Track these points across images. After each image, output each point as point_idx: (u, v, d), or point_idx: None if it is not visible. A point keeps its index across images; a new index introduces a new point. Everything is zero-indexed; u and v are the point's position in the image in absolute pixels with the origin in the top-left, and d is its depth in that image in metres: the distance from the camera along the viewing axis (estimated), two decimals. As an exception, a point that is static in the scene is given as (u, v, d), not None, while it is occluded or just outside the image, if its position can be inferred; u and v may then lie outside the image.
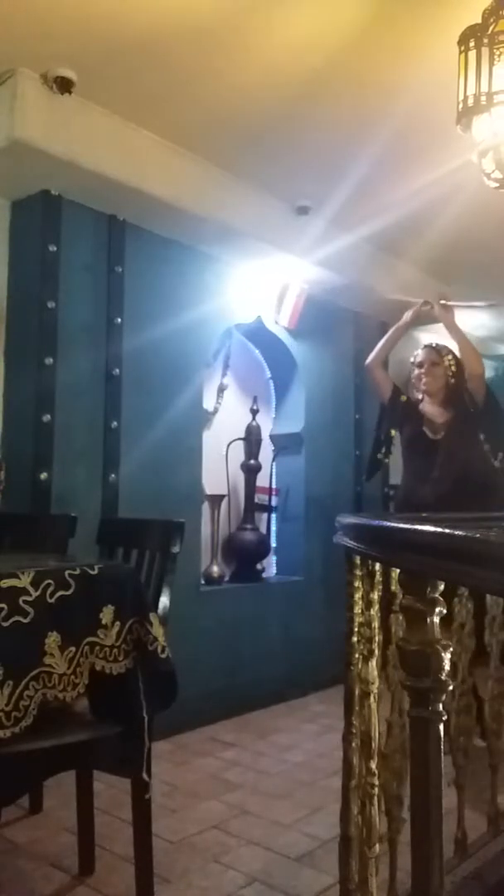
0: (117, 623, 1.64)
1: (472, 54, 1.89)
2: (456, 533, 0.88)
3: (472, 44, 1.89)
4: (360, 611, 1.52)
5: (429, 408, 3.36)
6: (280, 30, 2.29)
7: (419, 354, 3.39)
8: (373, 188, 3.31)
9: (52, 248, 2.93)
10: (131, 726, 1.70)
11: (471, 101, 1.89)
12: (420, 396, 3.39)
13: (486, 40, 1.88)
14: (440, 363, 3.33)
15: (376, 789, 1.41)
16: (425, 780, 1.02)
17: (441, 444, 3.26)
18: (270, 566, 4.19)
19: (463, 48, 1.91)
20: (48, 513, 2.81)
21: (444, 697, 1.03)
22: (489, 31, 1.89)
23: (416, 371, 3.38)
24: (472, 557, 0.85)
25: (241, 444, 3.96)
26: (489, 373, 5.91)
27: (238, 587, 3.75)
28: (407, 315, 3.56)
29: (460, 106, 1.92)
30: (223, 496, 3.81)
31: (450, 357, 3.37)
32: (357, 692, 1.49)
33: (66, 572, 1.57)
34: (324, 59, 2.42)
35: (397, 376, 5.07)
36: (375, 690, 1.44)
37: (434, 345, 3.41)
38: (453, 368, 3.35)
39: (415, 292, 4.51)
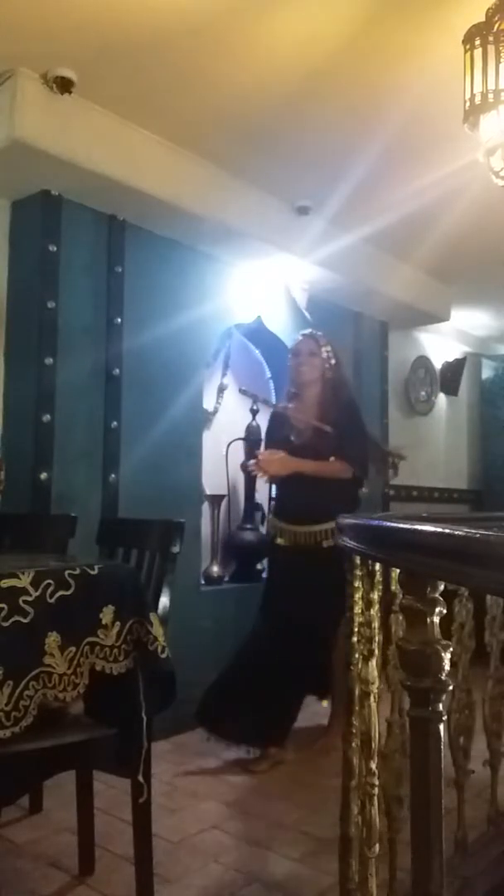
0: (117, 623, 1.64)
1: (478, 52, 1.90)
2: (456, 533, 0.88)
3: (477, 42, 1.90)
4: (360, 611, 1.52)
5: (299, 406, 3.12)
6: (281, 29, 2.29)
7: (297, 341, 3.14)
8: (373, 188, 3.31)
9: (52, 248, 2.92)
10: (130, 727, 1.70)
11: (478, 100, 1.90)
12: (293, 393, 3.16)
13: (491, 38, 1.88)
14: (318, 353, 3.06)
15: (376, 789, 1.41)
16: (425, 780, 1.02)
17: (305, 451, 2.99)
18: (270, 566, 4.18)
19: (468, 46, 1.91)
20: (48, 513, 2.81)
21: (444, 697, 1.03)
22: (494, 30, 1.89)
23: (292, 360, 3.13)
24: (472, 557, 0.85)
25: (241, 444, 3.96)
26: (489, 373, 5.95)
27: (238, 587, 3.75)
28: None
29: (467, 104, 1.92)
30: (223, 496, 3.80)
31: (328, 349, 3.09)
32: (357, 692, 1.49)
33: (66, 572, 1.57)
34: (324, 58, 2.41)
35: (397, 378, 5.09)
36: (375, 690, 1.44)
37: (312, 333, 3.15)
38: (332, 361, 3.08)
39: (416, 292, 4.53)
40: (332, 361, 3.09)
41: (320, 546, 2.92)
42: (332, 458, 2.95)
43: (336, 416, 3.01)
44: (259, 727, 2.88)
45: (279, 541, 3.07)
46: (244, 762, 2.86)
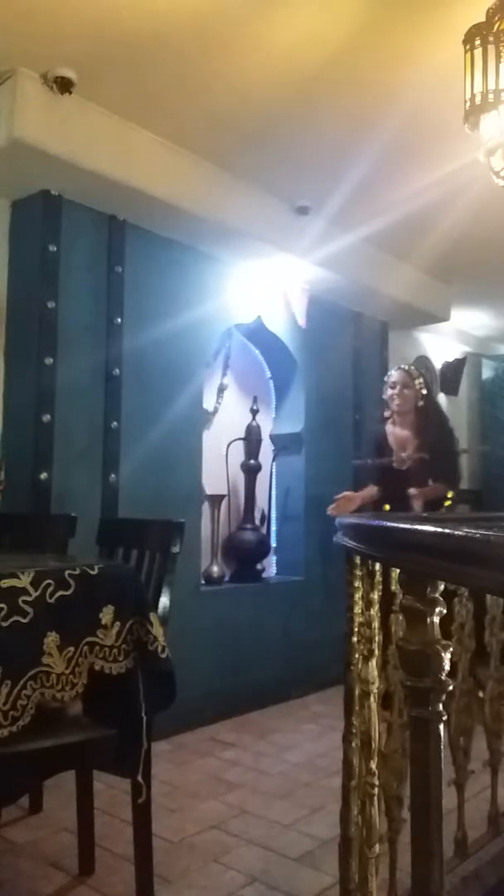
0: (117, 623, 1.64)
1: (479, 52, 1.90)
2: (456, 533, 0.88)
3: (477, 42, 1.90)
4: (360, 611, 1.52)
5: (397, 433, 3.58)
6: (280, 29, 2.29)
7: (392, 375, 3.63)
8: (373, 188, 3.31)
9: (52, 248, 2.92)
10: (130, 727, 1.70)
11: (478, 100, 1.90)
12: (388, 416, 3.63)
13: (491, 38, 1.88)
14: (412, 386, 3.53)
15: (376, 789, 1.41)
16: (425, 780, 1.02)
17: (409, 475, 3.43)
18: (270, 566, 4.18)
19: (469, 47, 1.91)
20: (48, 513, 2.81)
21: (444, 697, 1.03)
22: (494, 29, 1.89)
23: (389, 391, 3.61)
24: (472, 557, 0.85)
25: (241, 444, 3.96)
26: (489, 373, 5.95)
27: (238, 587, 3.75)
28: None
29: (467, 104, 1.92)
30: (223, 496, 3.80)
31: (420, 381, 3.57)
32: (357, 692, 1.49)
33: (66, 572, 1.57)
34: (324, 58, 2.41)
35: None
36: (375, 690, 1.44)
37: (407, 367, 3.63)
38: (423, 392, 3.54)
39: (416, 292, 4.53)
40: (424, 392, 3.56)
41: None
42: (431, 482, 3.43)
43: (430, 440, 3.47)
44: None
45: None
46: None
